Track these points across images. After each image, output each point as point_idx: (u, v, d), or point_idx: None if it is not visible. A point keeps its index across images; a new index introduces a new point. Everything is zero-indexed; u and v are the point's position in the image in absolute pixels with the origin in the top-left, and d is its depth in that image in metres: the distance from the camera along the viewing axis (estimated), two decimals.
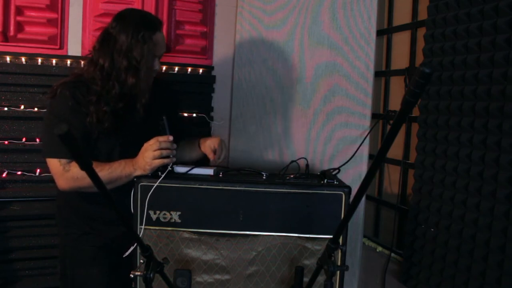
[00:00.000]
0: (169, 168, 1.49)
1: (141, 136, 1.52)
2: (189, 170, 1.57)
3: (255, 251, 1.51)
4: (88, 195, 1.53)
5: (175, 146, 1.50)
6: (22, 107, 2.00)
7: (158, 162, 1.46)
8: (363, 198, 2.05)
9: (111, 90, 1.51)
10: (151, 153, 1.45)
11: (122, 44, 1.49)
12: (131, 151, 1.52)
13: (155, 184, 1.45)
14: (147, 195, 1.45)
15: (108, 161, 1.52)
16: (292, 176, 1.59)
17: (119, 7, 1.65)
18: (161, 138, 1.47)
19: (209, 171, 1.57)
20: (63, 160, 1.46)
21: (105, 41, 1.52)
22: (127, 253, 1.47)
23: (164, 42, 1.63)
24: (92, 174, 0.88)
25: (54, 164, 1.47)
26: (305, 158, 1.70)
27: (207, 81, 2.31)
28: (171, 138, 1.48)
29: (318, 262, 1.25)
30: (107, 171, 1.46)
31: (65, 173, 1.47)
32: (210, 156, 1.68)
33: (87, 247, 1.61)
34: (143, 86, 1.55)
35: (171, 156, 1.48)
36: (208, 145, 1.69)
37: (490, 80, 1.55)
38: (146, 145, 1.48)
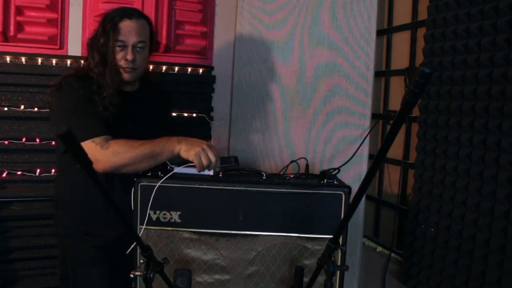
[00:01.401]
0: (168, 167, 1.49)
1: (135, 137, 1.52)
2: (189, 169, 1.57)
3: (255, 251, 1.51)
4: (88, 195, 1.53)
5: (211, 173, 1.52)
6: (22, 107, 2.00)
7: (196, 161, 1.43)
8: (363, 198, 2.05)
9: (105, 84, 1.52)
10: (201, 151, 1.43)
11: (99, 37, 1.54)
12: None
13: (157, 185, 1.45)
14: (147, 195, 1.45)
15: None
16: (292, 176, 1.59)
17: None
18: (216, 159, 1.45)
19: (209, 171, 1.57)
20: (98, 139, 1.43)
21: (92, 38, 1.58)
22: (128, 250, 1.46)
23: (133, 31, 1.56)
24: (92, 174, 0.88)
25: (89, 146, 1.42)
26: (305, 158, 1.70)
27: (207, 81, 2.31)
28: (218, 163, 1.47)
29: (318, 262, 1.25)
30: (150, 145, 1.44)
31: (105, 150, 1.43)
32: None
33: (88, 247, 1.61)
34: (108, 78, 1.52)
35: (200, 170, 1.46)
36: None
37: (490, 80, 1.55)
38: (208, 143, 1.48)
